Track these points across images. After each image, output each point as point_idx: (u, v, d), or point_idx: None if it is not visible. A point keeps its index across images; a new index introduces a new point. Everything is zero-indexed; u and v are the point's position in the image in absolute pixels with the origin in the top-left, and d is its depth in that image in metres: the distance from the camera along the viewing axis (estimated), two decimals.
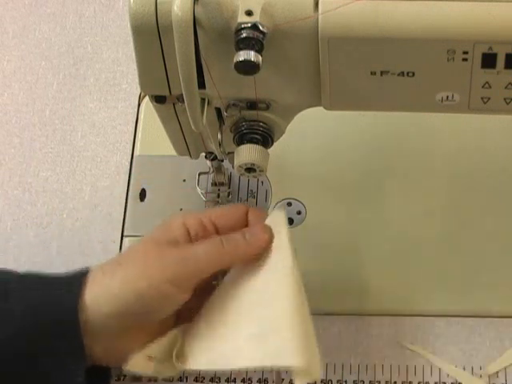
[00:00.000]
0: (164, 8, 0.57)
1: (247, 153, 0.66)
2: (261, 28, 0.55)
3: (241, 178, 0.81)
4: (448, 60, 0.57)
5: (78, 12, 0.94)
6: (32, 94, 0.90)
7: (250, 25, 0.55)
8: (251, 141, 0.66)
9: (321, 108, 0.63)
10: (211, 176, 0.81)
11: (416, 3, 0.56)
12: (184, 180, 0.82)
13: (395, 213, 0.79)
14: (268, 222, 0.66)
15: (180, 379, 0.72)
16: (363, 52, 0.57)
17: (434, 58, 0.57)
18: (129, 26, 0.58)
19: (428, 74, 0.58)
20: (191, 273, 0.62)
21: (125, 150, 0.86)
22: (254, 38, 0.55)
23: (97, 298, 0.61)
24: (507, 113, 0.61)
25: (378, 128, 0.83)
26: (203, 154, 0.74)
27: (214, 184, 0.80)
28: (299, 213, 0.80)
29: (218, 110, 0.65)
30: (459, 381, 0.72)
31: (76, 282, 0.62)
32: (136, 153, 0.85)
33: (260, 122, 0.65)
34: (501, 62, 0.57)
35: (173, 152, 0.72)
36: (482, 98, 0.60)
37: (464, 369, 0.73)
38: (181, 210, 0.81)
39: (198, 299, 0.65)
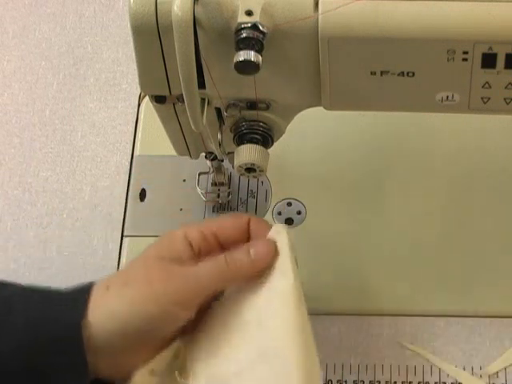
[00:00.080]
0: (164, 8, 0.57)
1: (247, 153, 0.66)
2: (261, 28, 0.55)
3: (241, 177, 0.81)
4: (448, 60, 0.57)
5: (78, 12, 0.94)
6: (32, 94, 0.89)
7: (249, 25, 0.55)
8: (251, 141, 0.66)
9: (321, 108, 0.63)
10: (211, 176, 0.81)
11: (416, 3, 0.56)
12: (184, 180, 0.82)
13: (395, 213, 0.79)
14: (270, 236, 0.65)
15: None
16: (363, 52, 0.57)
17: (434, 58, 0.57)
18: (129, 26, 0.58)
19: (428, 73, 0.58)
20: (197, 293, 0.62)
21: (125, 150, 0.86)
22: (254, 38, 0.55)
23: (101, 316, 0.61)
24: (507, 113, 0.61)
25: (377, 128, 0.83)
26: (203, 154, 0.74)
27: (214, 184, 0.80)
28: (299, 213, 0.80)
29: (218, 110, 0.65)
30: (459, 381, 0.72)
31: (81, 297, 0.61)
32: (136, 153, 0.85)
33: (260, 121, 0.65)
34: (501, 62, 0.57)
35: (173, 152, 0.72)
36: (482, 98, 0.60)
37: (464, 369, 0.73)
38: (181, 210, 0.81)
39: (199, 309, 0.65)
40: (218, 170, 0.78)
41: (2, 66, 0.91)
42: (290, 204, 0.81)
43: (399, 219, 0.79)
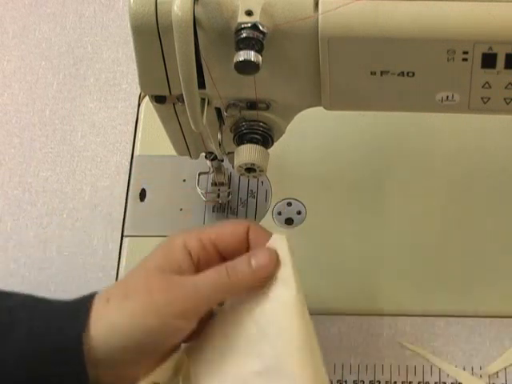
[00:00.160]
0: (164, 8, 0.57)
1: (247, 153, 0.66)
2: (261, 28, 0.55)
3: (241, 177, 0.81)
4: (448, 60, 0.57)
5: (78, 12, 0.94)
6: (32, 94, 0.89)
7: (249, 25, 0.55)
8: (251, 141, 0.66)
9: (321, 108, 0.63)
10: (211, 176, 0.81)
11: (416, 3, 0.56)
12: (184, 180, 0.82)
13: (395, 213, 0.79)
14: (270, 244, 0.64)
15: None
16: (363, 52, 0.57)
17: (434, 58, 0.57)
18: (129, 26, 0.58)
19: (428, 74, 0.58)
20: (197, 304, 0.62)
21: (125, 150, 0.86)
22: (254, 38, 0.55)
23: (101, 329, 0.60)
24: (507, 113, 0.61)
25: (377, 128, 0.83)
26: (203, 154, 0.74)
27: (214, 184, 0.80)
28: (299, 213, 0.80)
29: (218, 110, 0.65)
30: (459, 381, 0.72)
31: (82, 307, 0.61)
32: (136, 153, 0.85)
33: (260, 121, 0.65)
34: (501, 62, 0.57)
35: (173, 152, 0.72)
36: (482, 98, 0.60)
37: (464, 369, 0.73)
38: (181, 210, 0.81)
39: (202, 319, 0.65)
40: (218, 170, 0.78)
41: (2, 65, 0.91)
42: (289, 204, 0.81)
43: (399, 219, 0.79)
